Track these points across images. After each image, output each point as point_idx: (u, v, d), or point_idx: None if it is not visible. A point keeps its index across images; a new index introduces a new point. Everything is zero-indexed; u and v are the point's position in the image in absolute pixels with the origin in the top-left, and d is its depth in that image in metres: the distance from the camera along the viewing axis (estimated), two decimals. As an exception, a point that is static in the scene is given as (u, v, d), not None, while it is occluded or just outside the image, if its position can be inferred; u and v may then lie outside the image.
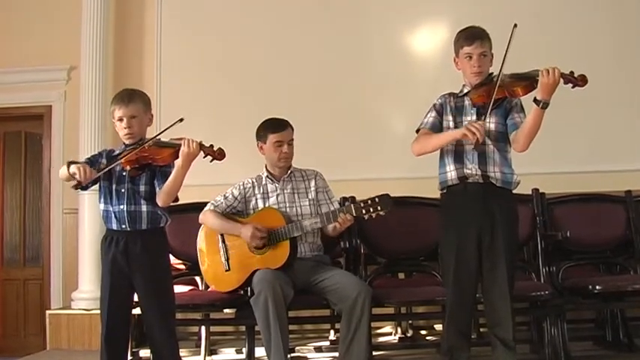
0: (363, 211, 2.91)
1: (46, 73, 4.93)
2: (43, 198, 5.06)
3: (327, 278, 3.03)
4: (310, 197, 3.25)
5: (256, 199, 3.25)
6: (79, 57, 4.70)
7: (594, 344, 3.81)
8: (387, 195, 2.92)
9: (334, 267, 3.32)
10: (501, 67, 2.56)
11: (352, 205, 2.96)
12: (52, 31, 4.90)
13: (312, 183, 3.28)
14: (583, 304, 3.56)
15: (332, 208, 3.18)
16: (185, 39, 4.87)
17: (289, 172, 3.28)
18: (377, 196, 2.91)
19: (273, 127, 3.23)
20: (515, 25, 2.51)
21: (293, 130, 3.27)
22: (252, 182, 3.28)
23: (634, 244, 3.75)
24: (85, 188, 2.74)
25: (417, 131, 2.81)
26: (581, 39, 4.50)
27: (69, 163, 2.59)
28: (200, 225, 3.29)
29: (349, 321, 2.90)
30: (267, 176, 3.28)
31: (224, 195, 3.27)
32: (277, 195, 3.23)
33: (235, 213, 3.26)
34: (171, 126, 2.59)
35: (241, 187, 3.28)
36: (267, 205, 3.22)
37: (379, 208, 2.89)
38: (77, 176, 2.53)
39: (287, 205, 3.21)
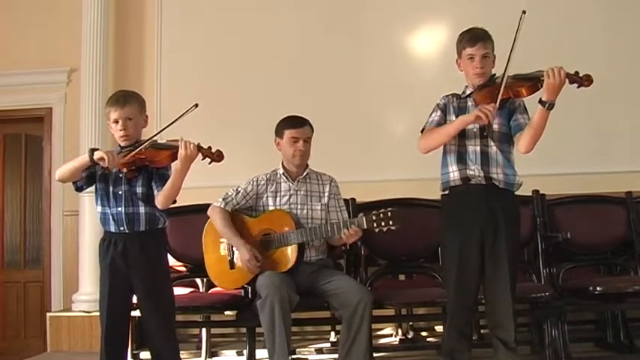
0: (375, 224, 2.88)
1: (47, 75, 4.93)
2: (43, 200, 5.06)
3: (329, 282, 3.02)
4: (323, 202, 3.22)
5: (267, 197, 3.21)
6: (79, 59, 4.70)
7: (595, 345, 3.81)
8: (397, 210, 2.89)
9: (337, 271, 3.30)
10: (508, 61, 2.53)
11: (364, 217, 2.92)
12: (53, 34, 4.91)
13: (327, 188, 3.25)
14: (584, 305, 3.56)
15: (341, 217, 3.19)
16: (185, 41, 4.88)
17: (305, 173, 3.24)
18: (389, 210, 2.87)
19: (291, 124, 3.20)
20: (524, 12, 2.48)
21: (312, 129, 3.24)
22: (266, 179, 3.24)
23: (634, 246, 3.74)
24: (80, 189, 2.73)
25: (422, 131, 2.79)
26: (583, 39, 4.49)
27: (92, 150, 2.58)
28: (202, 226, 3.26)
29: (349, 327, 2.89)
30: (283, 173, 3.23)
31: (236, 189, 3.22)
32: (290, 195, 3.19)
33: (245, 209, 3.23)
34: (186, 112, 2.58)
35: (254, 184, 3.23)
36: (277, 203, 3.19)
37: (391, 222, 2.85)
38: (104, 162, 2.52)
39: (299, 206, 3.18)
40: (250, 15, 4.82)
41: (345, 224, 2.97)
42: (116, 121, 2.67)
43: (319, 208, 3.20)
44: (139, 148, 2.59)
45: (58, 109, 4.97)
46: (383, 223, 2.87)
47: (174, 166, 2.61)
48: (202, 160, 2.58)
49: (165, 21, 4.91)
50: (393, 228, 2.86)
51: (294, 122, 3.20)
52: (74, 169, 2.63)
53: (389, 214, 2.86)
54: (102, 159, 2.53)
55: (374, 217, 2.89)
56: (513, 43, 2.52)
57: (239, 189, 3.22)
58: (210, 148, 2.58)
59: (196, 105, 2.58)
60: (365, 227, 2.92)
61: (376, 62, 4.70)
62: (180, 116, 2.60)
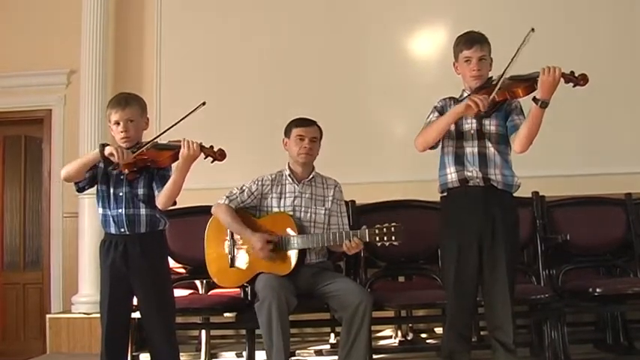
0: (377, 239, 2.88)
1: (46, 77, 4.95)
2: (43, 202, 5.07)
3: (329, 284, 3.02)
4: (326, 206, 3.22)
5: (271, 198, 3.20)
6: (78, 61, 4.72)
7: (594, 347, 3.81)
8: (401, 226, 2.88)
9: (337, 273, 3.30)
10: (507, 67, 2.54)
11: (366, 231, 2.92)
12: (52, 35, 4.92)
13: (331, 192, 3.24)
14: (583, 307, 3.55)
15: (340, 222, 3.20)
16: (185, 42, 4.88)
17: (311, 176, 3.24)
18: (393, 225, 2.87)
19: (298, 122, 3.22)
20: (533, 30, 2.46)
21: (321, 132, 3.24)
22: (271, 179, 3.23)
23: (634, 247, 3.74)
24: (82, 190, 2.73)
25: (421, 133, 2.81)
26: (581, 40, 4.50)
27: (102, 145, 2.58)
28: (202, 227, 3.26)
29: (349, 329, 2.89)
30: (289, 174, 3.23)
31: (240, 188, 3.21)
32: (295, 197, 3.18)
33: (248, 208, 3.22)
34: (194, 110, 2.57)
35: (259, 183, 3.22)
36: (281, 205, 3.18)
37: (393, 238, 2.85)
38: (115, 157, 2.53)
39: (302, 209, 3.17)
40: (251, 16, 4.83)
41: (347, 235, 2.96)
42: (117, 123, 2.67)
43: (323, 212, 3.20)
44: (142, 149, 2.59)
45: (58, 110, 4.99)
46: (385, 238, 2.86)
47: (175, 166, 2.61)
48: (205, 159, 2.58)
49: (164, 22, 4.92)
50: (395, 243, 2.86)
51: (302, 121, 3.22)
52: (82, 165, 2.63)
53: (392, 229, 2.85)
54: (112, 154, 2.54)
55: (377, 232, 2.88)
56: (517, 52, 2.49)
57: (244, 187, 3.21)
58: (212, 147, 2.58)
59: (204, 103, 2.56)
60: (367, 240, 2.92)
61: (377, 64, 4.70)
62: (189, 114, 2.58)
